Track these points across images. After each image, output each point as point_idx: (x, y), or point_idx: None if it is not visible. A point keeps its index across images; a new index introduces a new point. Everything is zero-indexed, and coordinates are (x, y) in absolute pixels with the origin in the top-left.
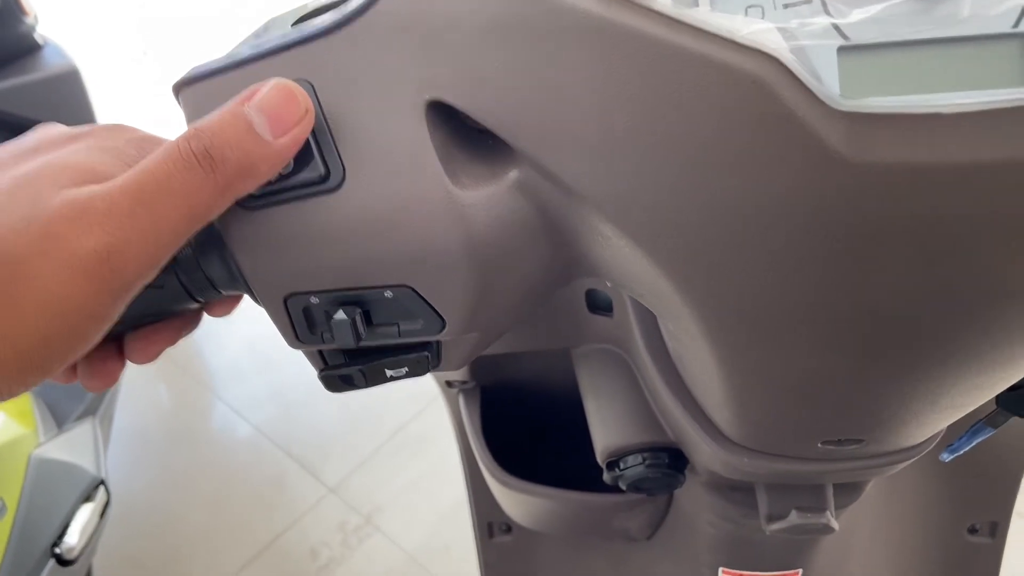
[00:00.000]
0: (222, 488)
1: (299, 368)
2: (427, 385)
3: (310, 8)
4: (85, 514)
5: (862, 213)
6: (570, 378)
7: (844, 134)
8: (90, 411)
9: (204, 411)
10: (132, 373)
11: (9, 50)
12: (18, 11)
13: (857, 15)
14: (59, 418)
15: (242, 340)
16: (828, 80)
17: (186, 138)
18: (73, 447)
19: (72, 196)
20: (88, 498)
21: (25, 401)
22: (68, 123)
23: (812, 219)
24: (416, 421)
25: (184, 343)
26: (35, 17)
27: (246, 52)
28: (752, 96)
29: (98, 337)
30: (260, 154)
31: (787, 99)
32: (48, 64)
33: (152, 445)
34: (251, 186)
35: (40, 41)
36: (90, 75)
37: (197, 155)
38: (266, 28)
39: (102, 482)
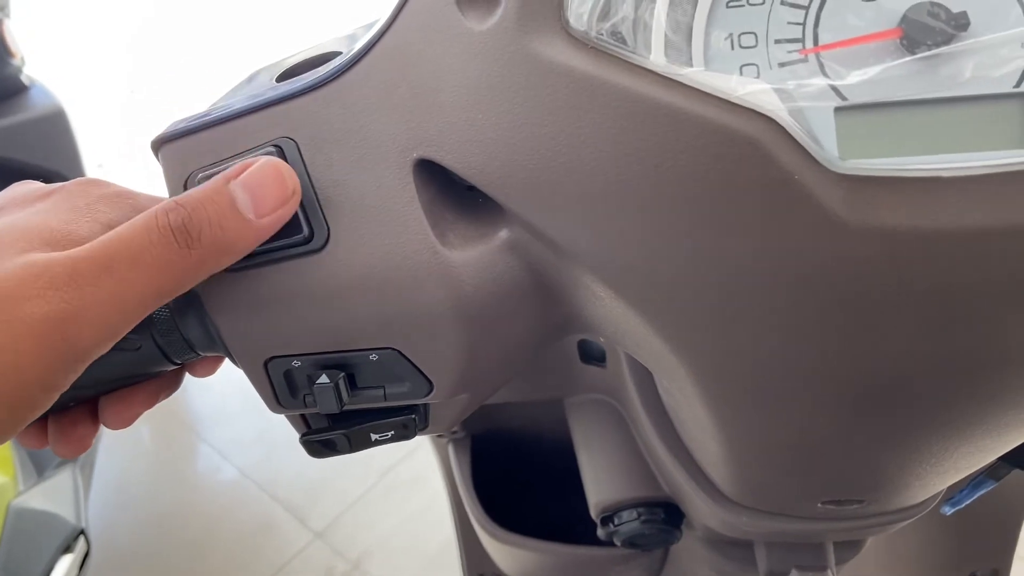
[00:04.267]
0: (206, 533)
1: None
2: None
3: (295, 62)
4: (64, 565)
5: (862, 278)
6: (562, 428)
7: (843, 198)
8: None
9: (187, 453)
10: None
11: None
12: (4, 53)
13: (855, 76)
14: (39, 465)
15: (227, 381)
16: (826, 141)
17: (165, 210)
18: (53, 496)
19: (31, 260)
20: (68, 549)
21: (5, 448)
22: (54, 163)
23: (811, 283)
24: (405, 463)
25: None
26: (21, 59)
27: (228, 108)
28: (749, 158)
29: (48, 404)
30: (239, 233)
31: (785, 162)
32: (34, 105)
33: (134, 488)
34: (227, 263)
35: (26, 82)
36: (77, 114)
37: (175, 230)
38: (250, 80)
39: (82, 532)
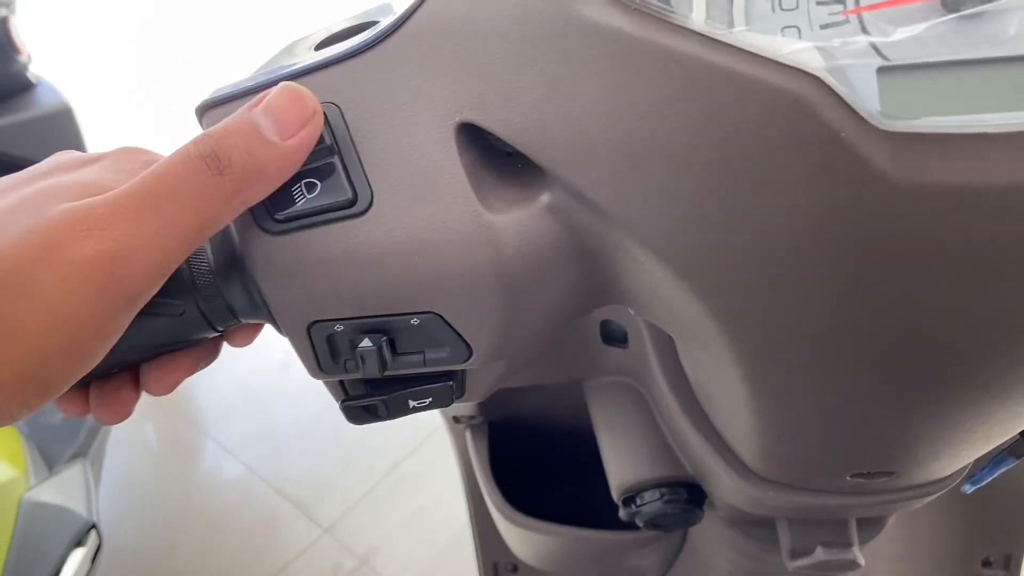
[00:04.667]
0: (213, 530)
1: (291, 406)
2: (422, 420)
3: (332, 32)
4: (77, 559)
5: (907, 235)
6: (579, 412)
7: (890, 155)
8: (81, 452)
9: (194, 450)
10: None
11: (2, 89)
12: (11, 50)
13: (898, 35)
14: (50, 460)
15: (233, 378)
16: (868, 100)
17: (193, 142)
18: (64, 490)
19: (75, 205)
20: (80, 542)
21: (16, 443)
22: None
23: (855, 241)
24: (411, 458)
25: None
26: (28, 56)
27: (271, 73)
28: (795, 116)
29: (102, 353)
30: (267, 156)
31: (832, 119)
32: (41, 102)
33: (141, 485)
34: (261, 191)
35: (33, 79)
36: (83, 112)
37: (205, 157)
38: (286, 52)
39: (94, 526)
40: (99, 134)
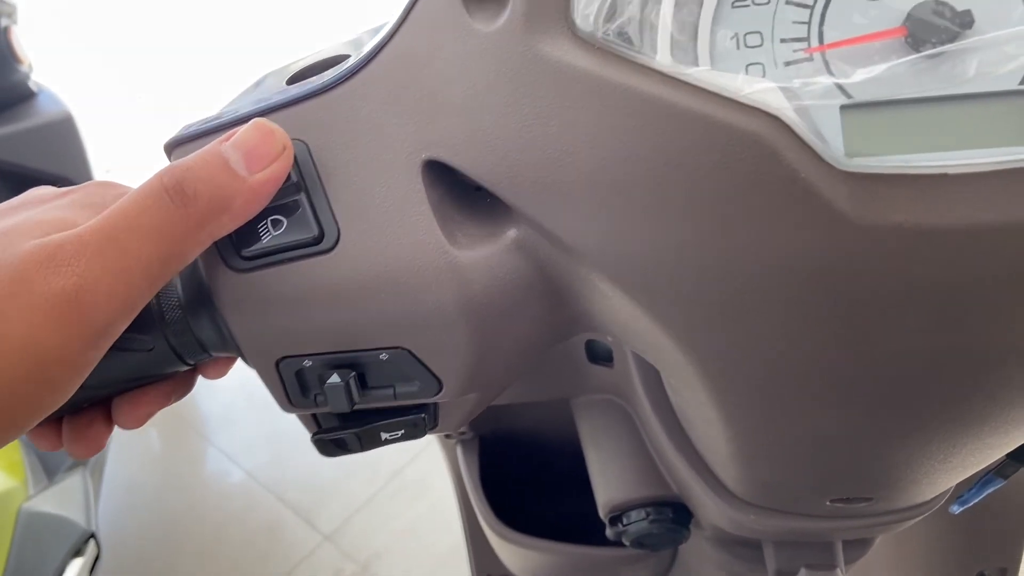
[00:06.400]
0: (214, 536)
1: None
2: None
3: (303, 65)
4: (75, 569)
5: (869, 275)
6: (570, 428)
7: (849, 195)
8: (81, 461)
9: (196, 457)
10: None
11: (3, 98)
12: (12, 59)
13: (860, 75)
14: (49, 469)
15: (235, 384)
16: (832, 139)
17: (158, 175)
18: (63, 500)
19: (43, 242)
20: (78, 552)
21: (15, 452)
22: (62, 168)
23: (817, 280)
24: (413, 465)
25: None
26: (29, 65)
27: (239, 110)
28: (755, 156)
29: (71, 387)
30: (235, 189)
31: (790, 159)
32: (42, 111)
33: (143, 491)
34: (228, 224)
35: (34, 88)
36: (84, 120)
37: (169, 190)
38: (257, 85)
39: (92, 535)
40: (100, 143)
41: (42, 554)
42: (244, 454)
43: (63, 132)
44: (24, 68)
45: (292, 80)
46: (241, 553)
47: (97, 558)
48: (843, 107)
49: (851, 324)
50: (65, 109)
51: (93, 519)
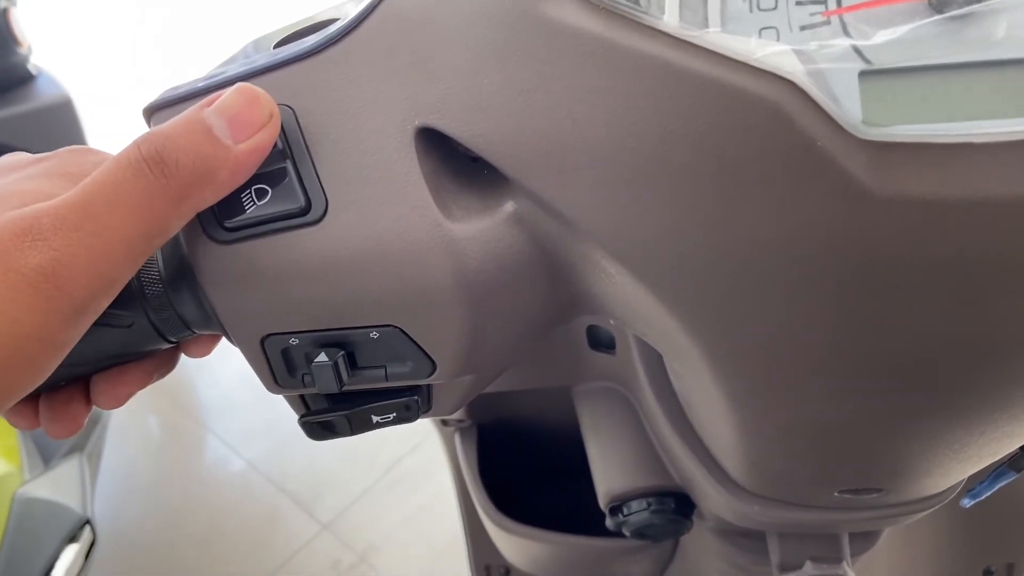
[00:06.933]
0: (213, 525)
1: None
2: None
3: (293, 29)
4: (69, 555)
5: (887, 249)
6: (570, 416)
7: (868, 164)
8: (78, 447)
9: (195, 445)
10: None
11: (2, 80)
12: (11, 42)
13: (880, 37)
14: (46, 455)
15: (235, 372)
16: (850, 106)
17: (136, 144)
18: (59, 485)
19: (18, 214)
20: (73, 538)
21: (11, 437)
22: None
23: (832, 255)
24: (412, 456)
25: (176, 375)
26: (28, 47)
27: (223, 74)
28: (768, 124)
29: (50, 365)
30: (219, 159)
31: (806, 127)
32: (41, 94)
33: (141, 480)
34: (211, 196)
35: (33, 71)
36: (84, 104)
37: (147, 161)
38: (245, 51)
39: (88, 522)
40: (100, 125)
41: (37, 540)
42: (244, 442)
43: (62, 115)
44: (23, 51)
45: (280, 44)
46: (239, 541)
47: (92, 544)
48: (862, 73)
49: (867, 301)
50: (64, 92)
51: (89, 505)
